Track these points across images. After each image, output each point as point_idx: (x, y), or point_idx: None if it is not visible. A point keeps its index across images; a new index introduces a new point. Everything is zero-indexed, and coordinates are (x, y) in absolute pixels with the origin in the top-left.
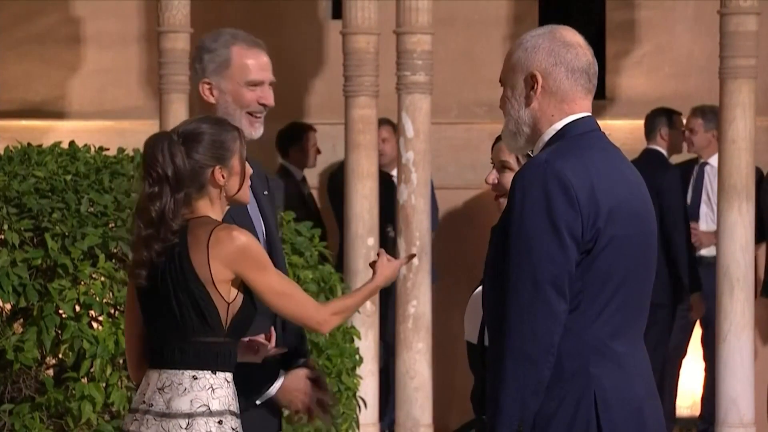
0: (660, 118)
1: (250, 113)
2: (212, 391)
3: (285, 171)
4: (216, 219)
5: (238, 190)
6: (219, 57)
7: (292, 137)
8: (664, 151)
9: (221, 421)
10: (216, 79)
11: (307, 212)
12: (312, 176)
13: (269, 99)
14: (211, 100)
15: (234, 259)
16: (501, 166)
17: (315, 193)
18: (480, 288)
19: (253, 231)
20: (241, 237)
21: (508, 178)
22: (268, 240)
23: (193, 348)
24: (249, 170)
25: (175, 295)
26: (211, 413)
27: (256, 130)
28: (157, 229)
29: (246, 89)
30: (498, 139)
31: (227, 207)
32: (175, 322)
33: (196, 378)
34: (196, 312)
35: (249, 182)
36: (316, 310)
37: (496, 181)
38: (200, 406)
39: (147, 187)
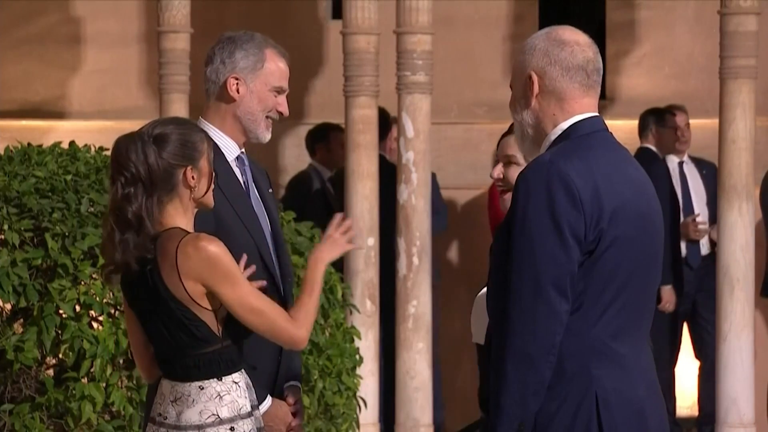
0: (651, 117)
1: (267, 117)
2: (220, 398)
3: (313, 170)
4: (185, 227)
5: (206, 192)
6: (254, 56)
7: (318, 137)
8: (654, 148)
9: (233, 427)
10: (245, 76)
11: (329, 211)
12: None
13: (285, 108)
14: (235, 96)
15: (201, 271)
16: (507, 161)
17: None
18: (484, 289)
19: (259, 229)
20: (209, 247)
21: (514, 172)
22: (275, 238)
23: (193, 361)
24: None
25: (158, 316)
26: (221, 421)
27: (269, 134)
28: (136, 232)
29: (271, 94)
30: (505, 134)
31: (196, 209)
32: (166, 340)
33: (203, 388)
34: (184, 331)
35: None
36: (292, 326)
37: (501, 176)
38: (209, 416)
39: (120, 188)
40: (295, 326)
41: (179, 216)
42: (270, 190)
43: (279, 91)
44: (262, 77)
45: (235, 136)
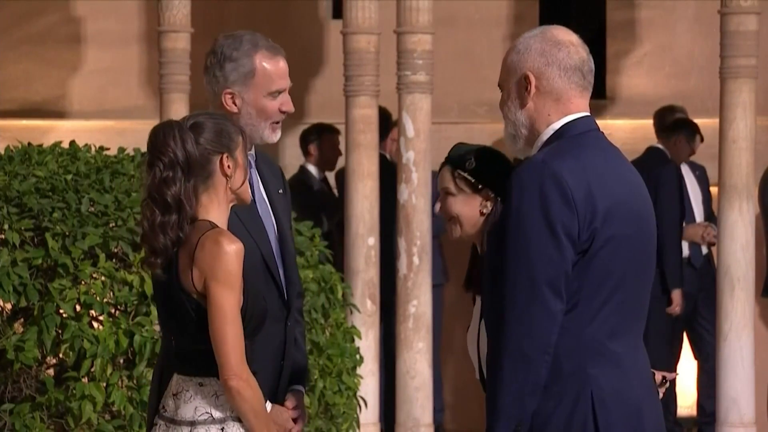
0: (684, 129)
1: (271, 123)
2: (216, 397)
3: (304, 172)
4: (216, 220)
5: (242, 184)
6: (243, 67)
7: (312, 138)
8: (667, 151)
9: (223, 428)
10: (239, 89)
11: (321, 213)
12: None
13: (290, 106)
14: (234, 109)
15: (207, 263)
16: (444, 193)
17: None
18: None
19: (263, 231)
20: (226, 245)
21: (450, 202)
22: (281, 241)
23: (197, 356)
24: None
25: (171, 306)
26: (213, 420)
27: (276, 135)
28: (177, 213)
29: (268, 99)
30: (442, 165)
31: (233, 203)
32: (177, 329)
33: (202, 385)
34: (190, 322)
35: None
36: (239, 360)
37: (438, 210)
38: (203, 414)
39: (158, 172)
40: (239, 371)
41: (213, 208)
42: (280, 191)
43: (277, 93)
44: (255, 87)
45: None
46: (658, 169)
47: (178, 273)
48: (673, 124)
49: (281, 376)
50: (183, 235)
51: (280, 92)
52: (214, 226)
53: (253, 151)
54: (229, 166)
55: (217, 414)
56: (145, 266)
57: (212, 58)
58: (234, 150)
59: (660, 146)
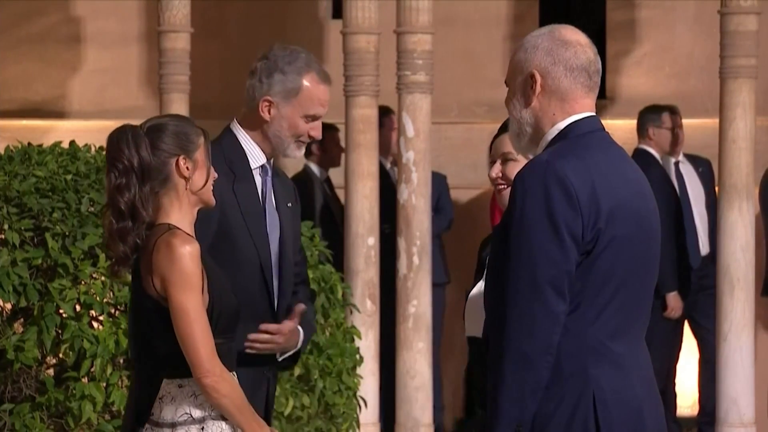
0: (647, 116)
1: (297, 141)
2: (195, 397)
3: (307, 171)
4: (178, 222)
5: (204, 186)
6: (290, 83)
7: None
8: (652, 150)
9: (203, 427)
10: (278, 101)
11: (325, 213)
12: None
13: (318, 132)
14: (267, 117)
15: (163, 267)
16: (504, 159)
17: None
18: (479, 284)
19: (265, 241)
20: (178, 247)
21: (512, 168)
22: (280, 251)
23: (173, 358)
24: (214, 174)
25: (142, 311)
26: (193, 420)
27: (300, 152)
28: (132, 220)
29: (302, 120)
30: (498, 133)
31: (198, 207)
32: (150, 333)
33: (182, 386)
34: (161, 326)
35: (212, 184)
36: (209, 357)
37: (501, 174)
38: (182, 414)
39: (113, 179)
40: (211, 367)
41: (174, 211)
42: (289, 204)
43: (313, 118)
44: (295, 104)
45: (264, 147)
46: (643, 170)
47: (140, 278)
48: (639, 118)
49: (269, 385)
50: (140, 241)
51: (314, 118)
52: (171, 227)
53: (271, 162)
54: (187, 168)
55: (196, 414)
56: (111, 275)
57: (263, 64)
58: (192, 152)
59: (643, 147)
